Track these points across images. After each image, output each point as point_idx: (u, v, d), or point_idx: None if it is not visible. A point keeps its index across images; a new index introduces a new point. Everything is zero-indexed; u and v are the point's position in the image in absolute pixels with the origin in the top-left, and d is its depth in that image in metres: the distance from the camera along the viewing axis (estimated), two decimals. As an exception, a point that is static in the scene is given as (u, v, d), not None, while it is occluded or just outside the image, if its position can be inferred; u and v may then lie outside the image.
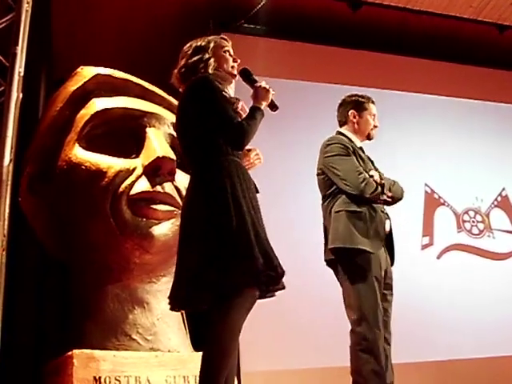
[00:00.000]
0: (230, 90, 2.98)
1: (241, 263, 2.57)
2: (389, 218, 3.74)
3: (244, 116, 2.85)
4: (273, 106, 3.00)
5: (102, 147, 3.78)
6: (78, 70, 4.02)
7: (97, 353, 3.42)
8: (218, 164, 2.73)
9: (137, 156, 3.81)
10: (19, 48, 2.97)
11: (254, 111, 2.84)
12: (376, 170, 3.81)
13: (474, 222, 6.46)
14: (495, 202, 6.59)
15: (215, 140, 2.75)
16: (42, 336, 4.31)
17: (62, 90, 3.99)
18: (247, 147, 2.91)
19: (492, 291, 6.13)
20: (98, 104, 3.87)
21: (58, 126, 3.87)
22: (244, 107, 2.92)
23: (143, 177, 3.71)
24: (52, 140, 3.85)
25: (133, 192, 3.67)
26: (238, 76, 3.03)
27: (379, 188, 3.66)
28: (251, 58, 5.44)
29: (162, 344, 3.73)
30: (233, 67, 3.01)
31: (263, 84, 2.95)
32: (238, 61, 3.03)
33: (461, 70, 6.69)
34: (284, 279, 2.75)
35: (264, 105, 2.91)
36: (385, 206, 3.75)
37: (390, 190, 3.71)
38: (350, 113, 3.87)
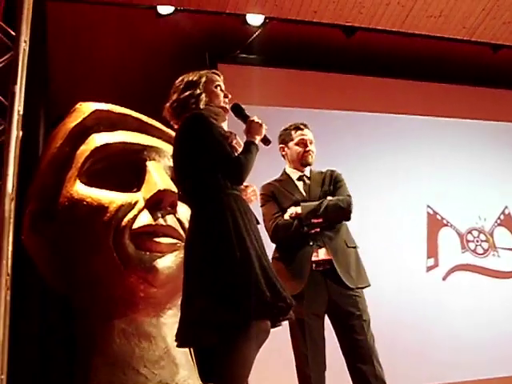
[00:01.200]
0: (224, 125, 3.00)
1: (248, 299, 2.56)
2: (325, 246, 3.69)
3: (239, 150, 2.88)
4: (266, 141, 3.04)
5: (103, 182, 3.79)
6: (77, 106, 4.04)
7: (105, 389, 3.41)
8: (217, 199, 2.75)
9: (138, 190, 3.82)
10: (18, 87, 2.99)
11: (249, 146, 2.87)
12: (329, 191, 3.85)
13: (478, 241, 6.45)
14: (498, 221, 6.59)
15: (213, 176, 2.77)
16: (48, 373, 4.28)
17: (62, 126, 4.02)
18: (244, 184, 2.93)
19: (500, 309, 6.11)
20: (97, 139, 3.89)
21: (59, 162, 3.89)
22: (239, 141, 2.94)
23: (145, 210, 3.71)
24: (53, 177, 3.86)
25: (135, 226, 3.67)
26: (229, 111, 3.05)
27: (294, 222, 3.71)
28: (248, 87, 5.51)
29: (169, 377, 3.70)
30: (225, 102, 3.04)
31: (256, 119, 2.98)
32: (229, 96, 3.06)
33: (457, 90, 6.75)
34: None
35: (258, 139, 2.93)
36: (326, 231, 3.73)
37: (317, 214, 3.71)
38: (279, 148, 4.00)
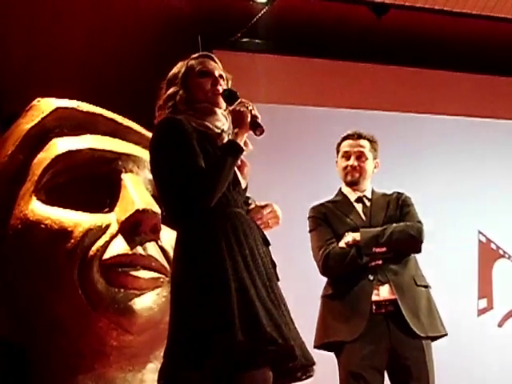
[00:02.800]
0: (219, 123, 2.99)
1: (246, 338, 2.54)
2: (388, 283, 3.75)
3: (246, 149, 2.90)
4: (254, 127, 2.92)
5: (67, 200, 3.79)
6: (34, 102, 4.05)
7: None
8: (202, 221, 2.76)
9: (111, 210, 3.81)
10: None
11: (224, 152, 2.84)
12: (395, 216, 3.93)
13: (543, 277, 6.45)
14: None
15: (184, 198, 2.78)
16: None
17: (14, 128, 4.02)
18: (261, 203, 2.97)
19: None
20: (59, 145, 3.89)
21: (10, 174, 3.89)
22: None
23: (119, 236, 3.70)
24: (2, 193, 3.86)
25: (107, 256, 3.66)
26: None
27: (351, 252, 3.78)
28: (250, 79, 5.52)
29: None
30: (213, 92, 3.02)
31: (237, 104, 2.94)
32: (220, 82, 3.04)
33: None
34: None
35: (242, 134, 2.89)
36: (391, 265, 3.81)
37: (380, 242, 3.78)
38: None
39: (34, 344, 3.84)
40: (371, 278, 3.75)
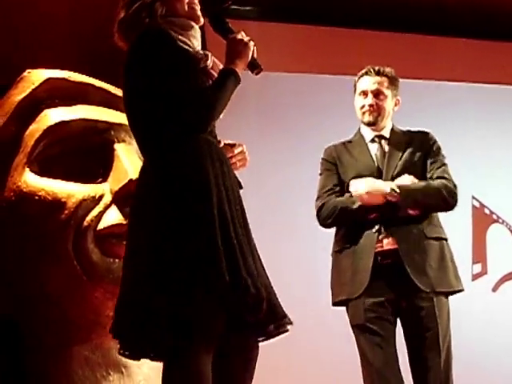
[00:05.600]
0: (195, 41, 2.81)
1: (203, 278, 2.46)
2: (393, 234, 3.67)
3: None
4: (254, 67, 2.84)
5: (60, 171, 3.78)
6: (24, 74, 4.03)
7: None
8: (186, 144, 2.60)
9: (104, 180, 3.81)
10: None
11: (225, 75, 2.68)
12: (415, 162, 3.82)
13: (537, 241, 6.48)
14: None
15: (176, 115, 2.58)
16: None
17: (5, 100, 4.00)
18: (229, 141, 2.81)
19: None
20: (51, 116, 3.88)
21: (2, 146, 3.88)
22: (217, 63, 2.78)
23: (113, 206, 3.71)
24: (-5, 165, 3.86)
25: (101, 226, 3.66)
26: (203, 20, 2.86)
27: (340, 206, 3.75)
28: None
29: (145, 417, 3.72)
30: (192, 8, 2.84)
31: (241, 35, 2.80)
32: None
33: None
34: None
35: (241, 66, 2.74)
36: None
37: (418, 203, 3.70)
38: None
39: (29, 317, 3.83)
40: (375, 230, 3.67)
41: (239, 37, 2.77)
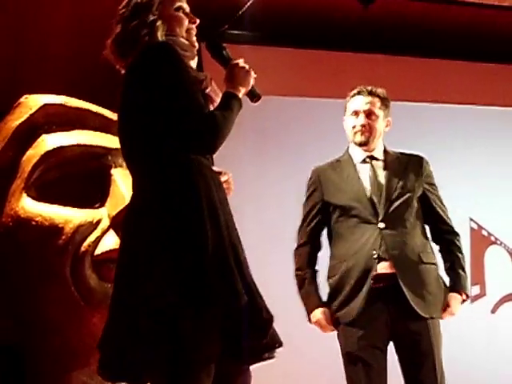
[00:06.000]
0: (193, 64, 2.78)
1: (215, 299, 2.39)
2: (390, 258, 3.56)
3: (216, 103, 2.66)
4: (254, 96, 2.79)
5: (57, 196, 3.79)
6: (22, 99, 4.04)
7: None
8: (184, 162, 2.53)
9: (101, 205, 3.82)
10: None
11: (230, 99, 2.63)
12: (415, 190, 3.75)
13: (535, 262, 6.47)
14: (561, 235, 6.60)
15: (180, 135, 2.52)
16: None
17: (3, 125, 4.02)
18: (217, 169, 2.73)
19: None
20: (49, 141, 3.89)
21: (0, 171, 3.89)
22: (215, 89, 2.73)
23: (111, 231, 3.71)
24: (-7, 190, 3.86)
25: (98, 251, 3.67)
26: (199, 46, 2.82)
27: (305, 302, 3.71)
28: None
29: None
30: (189, 31, 2.80)
31: (241, 62, 2.75)
32: (197, 21, 2.83)
33: (507, 71, 6.74)
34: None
35: (242, 92, 2.70)
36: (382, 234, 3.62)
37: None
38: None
39: (29, 342, 3.84)
40: (373, 253, 3.55)
41: (241, 64, 2.75)
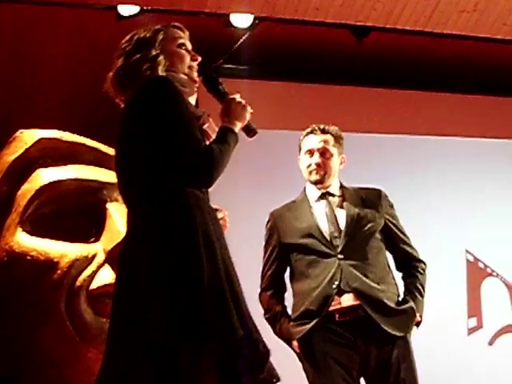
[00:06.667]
0: (192, 100, 2.79)
1: (211, 334, 2.37)
2: (347, 291, 3.53)
3: (212, 138, 2.66)
4: (250, 131, 2.81)
5: (52, 231, 3.79)
6: (17, 134, 4.06)
7: None
8: (181, 197, 2.52)
9: (97, 240, 3.82)
10: None
11: (226, 134, 2.64)
12: (375, 226, 3.70)
13: (532, 294, 6.47)
14: (556, 268, 6.60)
15: (177, 169, 2.53)
16: None
17: (-2, 160, 4.03)
18: (213, 206, 2.71)
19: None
20: (44, 176, 3.90)
21: (-5, 206, 3.89)
22: (213, 125, 2.73)
23: (106, 265, 3.71)
24: (-13, 224, 3.86)
25: (94, 286, 3.67)
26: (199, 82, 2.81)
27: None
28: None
29: None
30: (191, 68, 2.80)
31: (238, 97, 2.77)
32: (199, 59, 2.83)
33: (499, 103, 6.78)
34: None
35: (238, 126, 2.71)
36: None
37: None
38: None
39: (25, 378, 3.83)
40: (333, 285, 3.51)
41: (238, 99, 2.75)
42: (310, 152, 3.77)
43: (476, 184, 6.50)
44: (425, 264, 3.79)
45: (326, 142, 3.78)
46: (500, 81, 6.80)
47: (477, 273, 6.36)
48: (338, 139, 3.83)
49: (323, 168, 3.74)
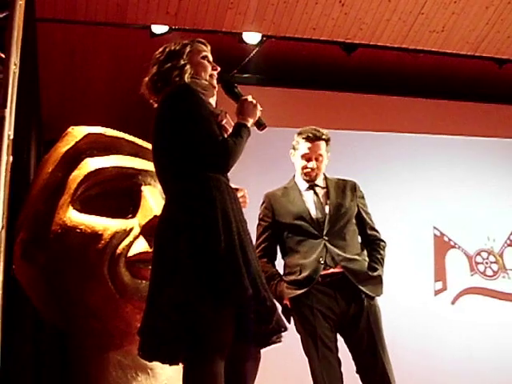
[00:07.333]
0: (213, 102, 2.80)
1: (229, 290, 2.40)
2: (331, 266, 3.54)
3: (229, 132, 2.69)
4: (260, 125, 2.83)
5: (97, 208, 3.78)
6: (69, 130, 4.04)
7: (100, 425, 3.38)
8: (204, 179, 2.55)
9: (133, 216, 3.80)
10: (7, 111, 2.96)
11: (240, 128, 2.67)
12: (351, 210, 3.71)
13: (487, 263, 6.44)
14: (508, 241, 6.57)
15: (200, 158, 2.57)
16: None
17: (53, 151, 4.01)
18: (234, 186, 2.74)
19: (510, 333, 6.07)
20: (90, 164, 3.88)
21: (51, 188, 3.87)
22: (230, 121, 2.74)
23: (141, 237, 3.69)
24: (45, 204, 3.84)
25: (131, 253, 3.65)
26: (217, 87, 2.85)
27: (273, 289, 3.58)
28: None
29: (169, 412, 3.68)
30: (212, 76, 2.83)
31: (250, 98, 2.78)
32: (218, 68, 2.86)
33: (462, 107, 6.75)
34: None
35: (251, 122, 2.73)
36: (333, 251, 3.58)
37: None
38: (290, 152, 3.88)
39: (73, 327, 3.83)
40: (320, 260, 3.53)
41: (250, 99, 2.78)
42: (307, 158, 3.76)
43: (441, 172, 6.48)
44: (385, 243, 3.76)
45: (321, 148, 3.77)
46: (461, 89, 6.79)
47: (442, 245, 6.35)
48: (328, 142, 3.82)
49: (316, 170, 3.76)
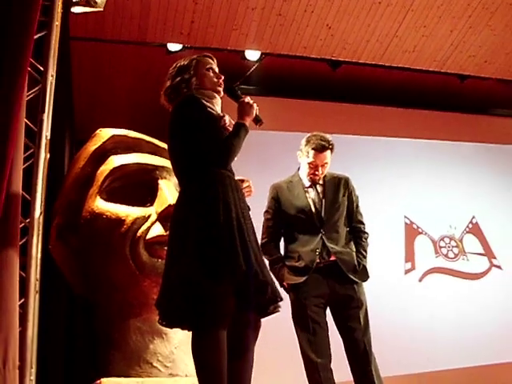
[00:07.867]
0: (217, 107, 2.78)
1: (224, 265, 2.39)
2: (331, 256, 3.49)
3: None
4: (257, 121, 2.78)
5: (121, 198, 3.79)
6: (97, 132, 4.05)
7: (122, 380, 3.39)
8: (210, 174, 2.56)
9: (151, 204, 3.81)
10: (46, 115, 2.98)
11: (238, 128, 2.64)
12: (343, 205, 3.63)
13: (449, 247, 6.44)
14: (467, 229, 6.58)
15: (204, 155, 2.57)
16: (73, 367, 4.25)
17: (84, 150, 4.02)
18: (239, 177, 2.74)
19: (468, 307, 6.10)
20: (115, 161, 3.89)
21: (81, 181, 3.89)
22: (232, 123, 2.72)
23: (157, 223, 3.70)
24: (76, 194, 3.85)
25: (149, 236, 3.66)
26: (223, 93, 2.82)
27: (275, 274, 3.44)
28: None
29: (179, 370, 3.68)
30: (216, 83, 2.79)
31: (247, 99, 2.75)
32: (222, 77, 2.82)
33: (429, 115, 6.75)
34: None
35: (248, 120, 2.70)
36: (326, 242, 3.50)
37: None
38: (298, 152, 3.70)
39: (99, 299, 3.85)
40: (316, 250, 3.46)
41: (246, 100, 2.75)
42: (314, 165, 3.61)
43: (411, 170, 6.49)
44: (368, 234, 3.67)
45: (326, 157, 3.62)
46: (429, 99, 6.79)
47: (411, 232, 6.35)
48: (333, 150, 3.66)
49: (320, 175, 3.64)
